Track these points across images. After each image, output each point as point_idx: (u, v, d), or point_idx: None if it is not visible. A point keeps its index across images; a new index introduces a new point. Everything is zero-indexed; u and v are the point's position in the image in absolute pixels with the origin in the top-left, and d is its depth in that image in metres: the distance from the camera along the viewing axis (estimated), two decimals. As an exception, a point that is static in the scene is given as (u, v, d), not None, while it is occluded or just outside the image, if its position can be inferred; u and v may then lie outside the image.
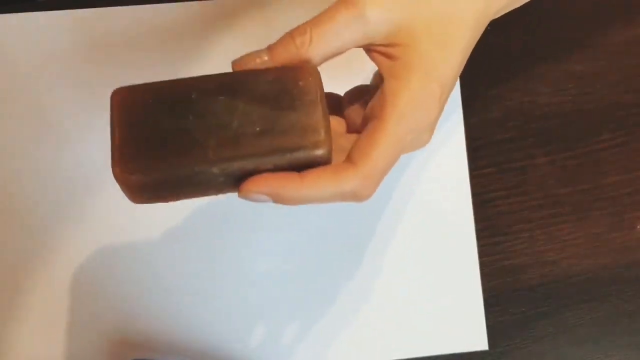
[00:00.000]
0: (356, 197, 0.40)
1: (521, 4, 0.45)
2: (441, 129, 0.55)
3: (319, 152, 0.38)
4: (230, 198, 0.53)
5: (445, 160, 0.55)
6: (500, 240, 0.54)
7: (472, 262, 0.54)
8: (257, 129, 0.38)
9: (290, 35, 0.40)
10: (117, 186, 0.39)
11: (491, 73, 0.56)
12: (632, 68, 0.57)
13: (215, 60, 0.55)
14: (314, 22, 0.40)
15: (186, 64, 0.55)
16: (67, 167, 0.54)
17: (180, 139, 0.37)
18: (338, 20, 0.40)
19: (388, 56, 0.41)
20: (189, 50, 0.55)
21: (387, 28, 0.40)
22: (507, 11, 0.45)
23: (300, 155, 0.38)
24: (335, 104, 0.46)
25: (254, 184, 0.38)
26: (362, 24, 0.40)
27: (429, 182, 0.55)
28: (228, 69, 0.41)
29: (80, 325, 0.52)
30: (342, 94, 0.47)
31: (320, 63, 0.41)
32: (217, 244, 0.53)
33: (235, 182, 0.39)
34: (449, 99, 0.56)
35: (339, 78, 0.45)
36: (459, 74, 0.43)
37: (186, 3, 0.56)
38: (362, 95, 0.45)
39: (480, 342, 0.53)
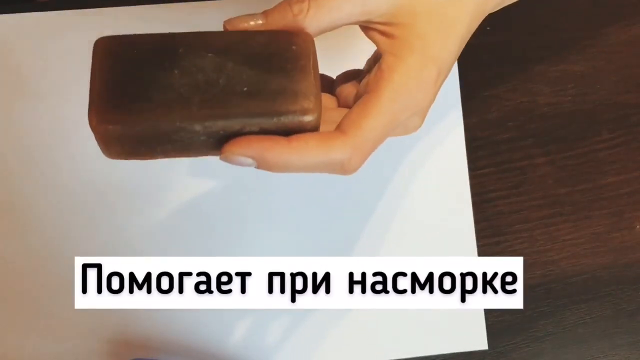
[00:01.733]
0: (343, 167, 0.38)
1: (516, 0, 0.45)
2: (441, 129, 0.55)
3: (308, 118, 0.37)
4: (231, 199, 0.54)
5: (445, 160, 0.55)
6: (500, 240, 0.54)
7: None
8: (245, 89, 0.36)
9: (288, 2, 0.39)
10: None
11: (491, 73, 0.56)
12: (632, 68, 0.57)
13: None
14: None
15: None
16: (67, 167, 0.54)
17: (163, 92, 0.36)
18: None
19: (387, 35, 0.40)
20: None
21: (387, 5, 0.39)
22: (506, 4, 0.45)
23: (288, 119, 0.36)
24: (328, 85, 0.45)
25: (237, 145, 0.37)
26: None
27: (429, 182, 0.55)
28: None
29: (80, 325, 0.52)
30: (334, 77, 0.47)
31: (315, 35, 0.40)
32: (217, 244, 0.53)
33: (217, 143, 0.37)
34: (449, 99, 0.56)
35: (332, 64, 0.45)
36: (454, 61, 0.42)
37: (186, 3, 0.56)
38: (354, 77, 0.44)
39: (480, 341, 0.53)
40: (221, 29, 0.40)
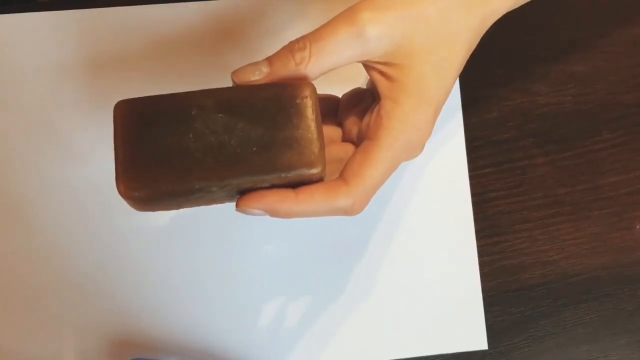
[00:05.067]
0: (347, 213, 0.42)
1: (515, 7, 0.46)
2: (441, 129, 0.55)
3: (313, 171, 0.40)
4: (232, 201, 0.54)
5: (445, 160, 0.55)
6: (500, 240, 0.54)
7: (472, 262, 0.54)
8: (254, 148, 0.39)
9: (290, 50, 0.41)
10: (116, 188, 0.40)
11: (491, 73, 0.56)
12: (632, 68, 0.57)
13: (216, 60, 0.55)
14: (314, 36, 0.41)
15: (187, 64, 0.55)
16: (67, 167, 0.54)
17: (180, 157, 0.39)
18: (338, 37, 0.40)
19: (386, 76, 0.42)
20: (189, 50, 0.55)
21: (385, 47, 0.41)
22: (502, 14, 0.45)
23: (295, 174, 0.40)
24: (332, 108, 0.47)
25: (250, 201, 0.40)
26: (361, 42, 0.40)
27: (429, 182, 0.55)
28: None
29: (81, 325, 0.52)
30: (339, 92, 0.47)
31: (317, 77, 0.42)
32: (217, 244, 0.53)
33: (234, 195, 0.41)
34: (449, 99, 0.56)
35: (337, 74, 0.45)
36: (453, 87, 0.43)
37: (186, 3, 0.56)
38: (359, 100, 0.45)
39: (479, 341, 0.53)
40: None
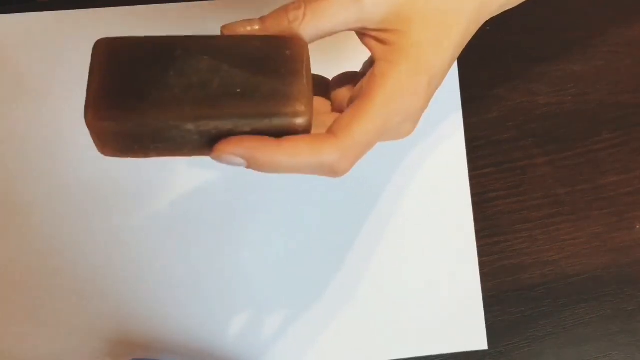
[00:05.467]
0: (332, 170, 0.39)
1: (515, 5, 0.45)
2: (441, 129, 0.55)
3: (299, 120, 0.37)
4: (229, 200, 0.54)
5: (445, 160, 0.55)
6: (500, 240, 0.54)
7: (472, 262, 0.54)
8: (238, 90, 0.37)
9: (284, 9, 0.40)
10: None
11: (491, 73, 0.56)
12: (632, 68, 0.57)
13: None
14: None
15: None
16: (66, 167, 0.54)
17: (158, 92, 0.37)
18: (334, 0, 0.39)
19: (381, 41, 0.41)
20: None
21: (382, 13, 0.40)
22: (502, 11, 0.45)
23: (279, 121, 0.37)
24: (323, 87, 0.45)
25: (228, 144, 0.37)
26: (358, 6, 0.40)
27: (429, 182, 0.55)
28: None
29: (80, 325, 0.52)
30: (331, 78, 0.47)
31: (311, 41, 0.40)
32: (216, 245, 0.53)
33: (210, 143, 0.38)
34: (449, 99, 0.56)
35: (329, 66, 0.45)
36: (449, 69, 0.42)
37: (186, 3, 0.56)
38: (350, 80, 0.44)
39: (479, 341, 0.53)
40: (219, 30, 0.41)
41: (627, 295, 0.54)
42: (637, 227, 0.55)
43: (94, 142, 0.38)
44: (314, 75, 0.44)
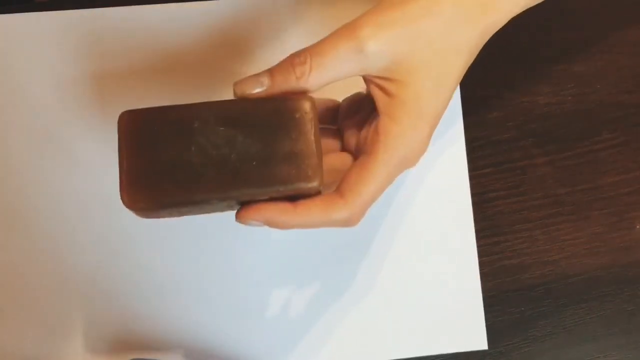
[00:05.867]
0: (344, 224, 0.43)
1: (513, 15, 0.46)
2: (441, 129, 0.55)
3: (311, 185, 0.41)
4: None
5: (445, 160, 0.55)
6: (500, 240, 0.54)
7: (472, 262, 0.54)
8: (254, 162, 0.41)
9: (291, 63, 0.41)
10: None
11: (491, 73, 0.56)
12: (632, 68, 0.57)
13: (215, 61, 0.55)
14: (315, 50, 0.41)
15: (186, 64, 0.55)
16: (66, 167, 0.54)
17: (183, 170, 0.41)
18: (338, 52, 0.41)
19: (384, 91, 0.42)
20: (189, 51, 0.55)
21: (385, 62, 0.41)
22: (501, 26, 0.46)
23: (293, 187, 0.41)
24: (332, 113, 0.47)
25: (249, 212, 0.42)
26: (361, 57, 0.41)
27: (429, 182, 0.55)
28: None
29: (81, 325, 0.52)
30: (340, 94, 0.48)
31: (316, 90, 0.42)
32: (217, 245, 0.53)
33: (234, 205, 0.43)
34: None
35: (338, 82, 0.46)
36: (451, 98, 0.44)
37: (186, 3, 0.56)
38: (359, 106, 0.46)
39: (479, 341, 0.53)
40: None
41: (627, 295, 0.54)
42: (637, 227, 0.55)
43: (134, 214, 0.42)
44: (322, 99, 0.47)
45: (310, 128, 0.41)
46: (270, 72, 0.42)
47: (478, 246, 0.54)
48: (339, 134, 0.47)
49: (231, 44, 0.56)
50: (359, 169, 0.42)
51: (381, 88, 0.42)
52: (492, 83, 0.56)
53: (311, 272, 0.53)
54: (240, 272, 0.53)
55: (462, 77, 0.44)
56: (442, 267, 0.53)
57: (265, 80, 0.42)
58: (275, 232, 0.53)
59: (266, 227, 0.42)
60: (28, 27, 0.55)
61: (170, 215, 0.43)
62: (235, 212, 0.43)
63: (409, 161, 0.43)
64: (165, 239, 0.53)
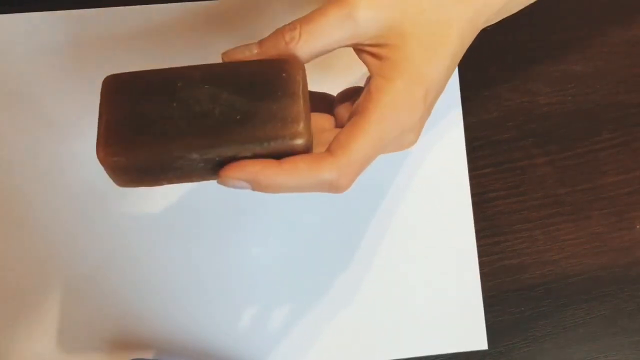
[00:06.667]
0: (332, 187, 0.40)
1: (511, 13, 0.46)
2: (441, 129, 0.55)
3: (298, 142, 0.39)
4: (230, 200, 0.54)
5: (445, 160, 0.55)
6: (500, 240, 0.54)
7: (472, 262, 0.54)
8: (238, 117, 0.39)
9: (281, 31, 0.41)
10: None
11: (491, 73, 0.57)
12: (632, 68, 0.57)
13: (215, 60, 0.55)
14: (305, 19, 0.41)
15: (186, 64, 0.55)
16: (66, 167, 0.54)
17: (162, 125, 0.39)
18: (328, 18, 0.40)
19: (376, 56, 0.42)
20: (189, 51, 0.55)
21: (376, 28, 0.41)
22: (498, 20, 0.45)
23: (279, 144, 0.39)
24: (327, 104, 0.47)
25: (232, 170, 0.39)
26: (351, 23, 0.40)
27: (429, 182, 0.55)
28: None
29: (80, 325, 0.52)
30: (337, 89, 0.47)
31: (308, 60, 0.41)
32: (217, 245, 0.53)
33: (215, 168, 0.40)
34: (449, 99, 0.56)
35: (334, 82, 0.46)
36: (448, 78, 0.43)
37: (186, 3, 0.56)
38: (353, 95, 0.45)
39: (479, 341, 0.53)
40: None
41: (627, 295, 0.54)
42: (637, 227, 0.55)
43: (109, 175, 0.40)
44: (318, 92, 0.45)
45: (297, 88, 0.39)
46: (260, 41, 0.41)
47: (478, 246, 0.54)
48: (333, 117, 0.46)
49: (231, 44, 0.56)
50: (350, 127, 0.40)
51: (373, 54, 0.42)
52: (492, 83, 0.56)
53: (311, 272, 0.53)
54: (240, 272, 0.53)
55: (458, 55, 0.43)
56: (442, 267, 0.53)
57: (254, 48, 0.41)
58: (274, 231, 0.53)
59: (250, 191, 0.40)
60: (28, 27, 0.55)
61: (147, 180, 0.41)
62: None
63: (404, 125, 0.41)
64: (166, 239, 0.53)
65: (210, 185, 0.54)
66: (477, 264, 0.54)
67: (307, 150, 0.40)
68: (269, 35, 0.41)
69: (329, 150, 0.40)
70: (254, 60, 0.41)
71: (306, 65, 0.42)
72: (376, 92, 0.41)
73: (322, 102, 0.46)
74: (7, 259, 0.53)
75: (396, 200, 0.54)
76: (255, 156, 0.39)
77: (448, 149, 0.55)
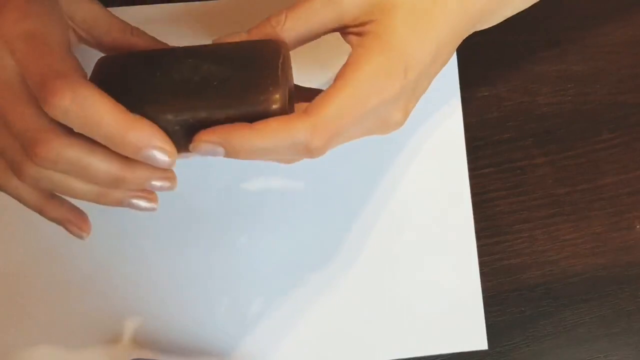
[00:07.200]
0: (307, 149, 0.39)
1: (504, 17, 0.46)
2: (441, 130, 0.55)
3: (273, 107, 0.39)
4: (230, 200, 0.54)
5: (444, 160, 0.55)
6: (500, 240, 0.54)
7: (472, 262, 0.54)
8: (215, 83, 0.39)
9: (268, 18, 0.42)
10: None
11: (491, 73, 0.56)
12: (632, 68, 0.57)
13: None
14: (291, 6, 0.42)
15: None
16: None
17: (141, 88, 0.40)
18: (313, 2, 0.41)
19: (360, 34, 0.42)
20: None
21: (359, 9, 0.41)
22: (495, 20, 0.46)
23: (254, 108, 0.39)
24: None
25: (204, 134, 0.39)
26: (334, 6, 0.41)
27: (429, 183, 0.55)
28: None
29: (80, 325, 0.52)
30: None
31: (295, 44, 0.42)
32: (218, 245, 0.53)
33: (191, 134, 0.39)
34: (449, 100, 0.56)
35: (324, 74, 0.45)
36: (436, 65, 0.43)
37: (186, 3, 0.56)
38: None
39: (479, 341, 0.53)
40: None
41: (627, 295, 0.54)
42: (637, 227, 0.55)
43: None
44: (312, 88, 0.45)
45: (277, 61, 0.40)
46: (248, 29, 0.43)
47: (478, 246, 0.54)
48: None
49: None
50: (327, 90, 0.40)
51: (357, 33, 0.42)
52: (492, 83, 0.56)
53: (311, 272, 0.53)
54: (241, 272, 0.53)
55: (449, 44, 0.43)
56: (442, 267, 0.53)
57: (243, 34, 0.42)
58: (274, 231, 0.53)
59: (222, 157, 0.39)
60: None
61: None
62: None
63: (383, 97, 0.40)
64: (166, 239, 0.53)
65: (211, 185, 0.54)
66: (477, 264, 0.54)
67: (279, 114, 0.39)
68: (258, 23, 0.42)
69: (304, 111, 0.39)
70: (240, 41, 0.42)
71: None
72: (355, 59, 0.41)
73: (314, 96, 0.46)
74: (6, 259, 0.53)
75: (396, 200, 0.54)
76: (229, 120, 0.39)
77: (448, 149, 0.55)
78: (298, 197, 0.54)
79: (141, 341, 0.52)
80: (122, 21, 0.46)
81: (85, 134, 0.38)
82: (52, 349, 0.52)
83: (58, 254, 0.53)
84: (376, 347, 0.53)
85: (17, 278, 0.52)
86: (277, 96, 0.39)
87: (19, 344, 0.52)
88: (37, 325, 0.52)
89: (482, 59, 0.56)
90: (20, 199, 0.44)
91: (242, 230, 0.54)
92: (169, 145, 0.38)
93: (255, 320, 0.53)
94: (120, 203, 0.42)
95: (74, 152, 0.38)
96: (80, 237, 0.45)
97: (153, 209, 0.43)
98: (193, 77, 0.40)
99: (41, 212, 0.44)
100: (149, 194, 0.43)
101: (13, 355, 0.52)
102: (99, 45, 0.46)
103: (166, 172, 0.41)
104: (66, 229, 0.45)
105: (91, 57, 0.43)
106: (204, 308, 0.52)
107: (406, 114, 0.43)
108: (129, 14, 0.56)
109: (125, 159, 0.39)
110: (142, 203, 0.43)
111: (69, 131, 0.38)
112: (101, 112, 0.37)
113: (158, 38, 0.55)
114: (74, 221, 0.45)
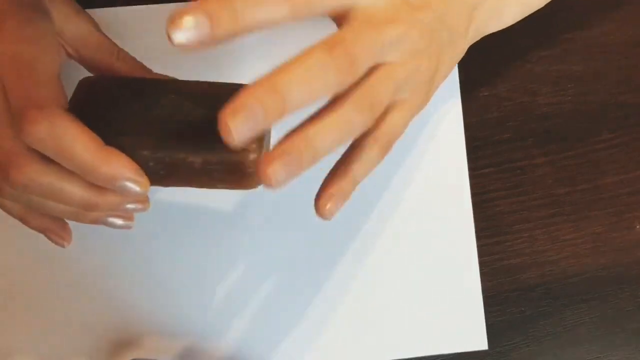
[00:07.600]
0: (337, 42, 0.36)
1: (506, 21, 0.46)
2: (441, 130, 0.55)
3: (250, 156, 0.39)
4: (230, 200, 0.54)
5: (445, 160, 0.55)
6: (500, 240, 0.54)
7: (472, 262, 0.54)
8: (196, 124, 0.40)
9: None
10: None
11: (491, 73, 0.56)
12: (632, 68, 0.57)
13: (214, 60, 0.55)
14: None
15: (186, 64, 0.55)
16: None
17: (121, 117, 0.40)
18: None
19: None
20: (189, 51, 0.55)
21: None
22: (493, 19, 0.46)
23: (231, 158, 0.39)
24: None
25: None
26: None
27: (429, 183, 0.55)
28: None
29: (81, 325, 0.52)
30: None
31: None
32: (217, 245, 0.53)
33: (168, 172, 0.40)
34: (449, 99, 0.56)
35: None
36: (429, 29, 0.42)
37: (186, 3, 0.56)
38: None
39: (479, 341, 0.53)
40: None
41: (627, 295, 0.54)
42: (637, 227, 0.55)
43: None
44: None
45: None
46: None
47: (478, 246, 0.54)
48: None
49: (231, 43, 0.56)
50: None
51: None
52: (492, 83, 0.56)
53: (311, 272, 0.53)
54: (241, 272, 0.53)
55: (446, 22, 0.43)
56: (442, 267, 0.53)
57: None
58: (274, 231, 0.53)
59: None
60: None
61: None
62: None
63: (374, 17, 0.38)
64: (166, 239, 0.53)
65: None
66: (477, 264, 0.54)
67: (255, 165, 0.40)
68: None
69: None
70: (222, 82, 0.42)
71: None
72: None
73: None
74: (6, 259, 0.53)
75: (396, 200, 0.54)
76: (205, 163, 0.39)
77: (448, 149, 0.55)
78: (298, 197, 0.54)
79: (141, 341, 0.52)
80: (111, 43, 0.46)
81: (60, 163, 0.38)
82: (52, 348, 0.52)
83: (57, 254, 0.53)
84: (376, 347, 0.53)
85: (17, 278, 0.52)
86: (254, 146, 0.39)
87: (19, 343, 0.52)
88: (37, 324, 0.52)
89: (482, 59, 0.56)
90: (3, 209, 0.45)
91: (244, 231, 0.54)
92: (142, 178, 0.39)
93: (256, 321, 0.53)
94: (96, 221, 0.43)
95: (47, 178, 0.39)
96: (62, 246, 0.46)
97: (129, 227, 0.44)
98: (174, 115, 0.40)
99: (23, 222, 0.45)
100: (124, 212, 0.43)
101: (12, 355, 0.52)
102: (83, 63, 0.46)
103: (138, 197, 0.41)
104: (47, 237, 0.46)
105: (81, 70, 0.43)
106: (204, 308, 0.52)
107: (414, 56, 0.40)
108: (129, 14, 0.56)
109: (98, 186, 0.40)
110: (118, 221, 0.44)
111: (44, 156, 0.39)
112: (75, 144, 0.37)
113: (158, 38, 0.56)
114: (55, 230, 0.46)
